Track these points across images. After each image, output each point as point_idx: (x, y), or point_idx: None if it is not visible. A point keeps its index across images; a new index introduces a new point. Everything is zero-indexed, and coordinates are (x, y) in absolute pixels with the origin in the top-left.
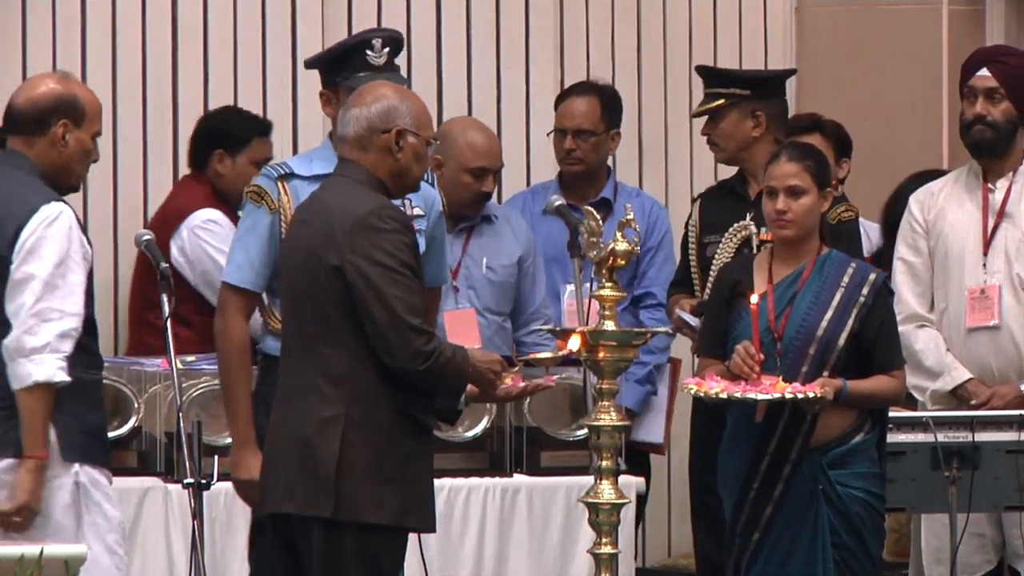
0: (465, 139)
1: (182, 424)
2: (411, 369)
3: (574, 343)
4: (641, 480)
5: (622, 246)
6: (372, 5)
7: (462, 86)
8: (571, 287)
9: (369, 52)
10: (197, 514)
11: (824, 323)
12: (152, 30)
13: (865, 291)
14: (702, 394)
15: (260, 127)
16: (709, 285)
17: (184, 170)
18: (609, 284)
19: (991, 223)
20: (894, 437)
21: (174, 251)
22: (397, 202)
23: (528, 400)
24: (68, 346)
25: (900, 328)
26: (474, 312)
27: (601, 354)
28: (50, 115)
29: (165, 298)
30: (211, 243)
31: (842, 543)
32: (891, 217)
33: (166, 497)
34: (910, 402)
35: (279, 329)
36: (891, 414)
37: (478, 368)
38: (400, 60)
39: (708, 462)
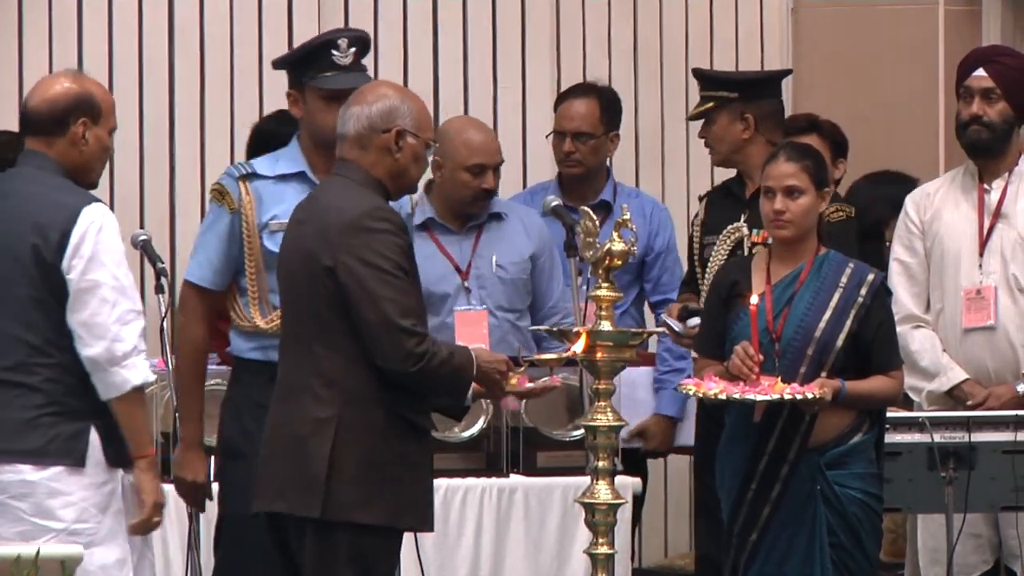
0: (461, 137)
1: (179, 424)
2: (402, 371)
3: (579, 345)
4: (638, 480)
5: (619, 246)
6: (368, 5)
7: (458, 87)
8: (565, 288)
9: (335, 52)
10: (193, 514)
11: (822, 324)
12: (148, 30)
13: (863, 292)
14: (700, 395)
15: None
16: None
17: (180, 172)
18: (606, 284)
19: (987, 224)
20: (890, 437)
21: None
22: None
23: (524, 400)
24: (144, 344)
25: (896, 329)
26: (486, 313)
27: (598, 354)
28: (69, 114)
29: (161, 298)
30: None
31: (840, 543)
32: None
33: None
34: (906, 402)
35: (247, 328)
36: (888, 414)
37: (483, 368)
38: (396, 61)
39: (710, 462)
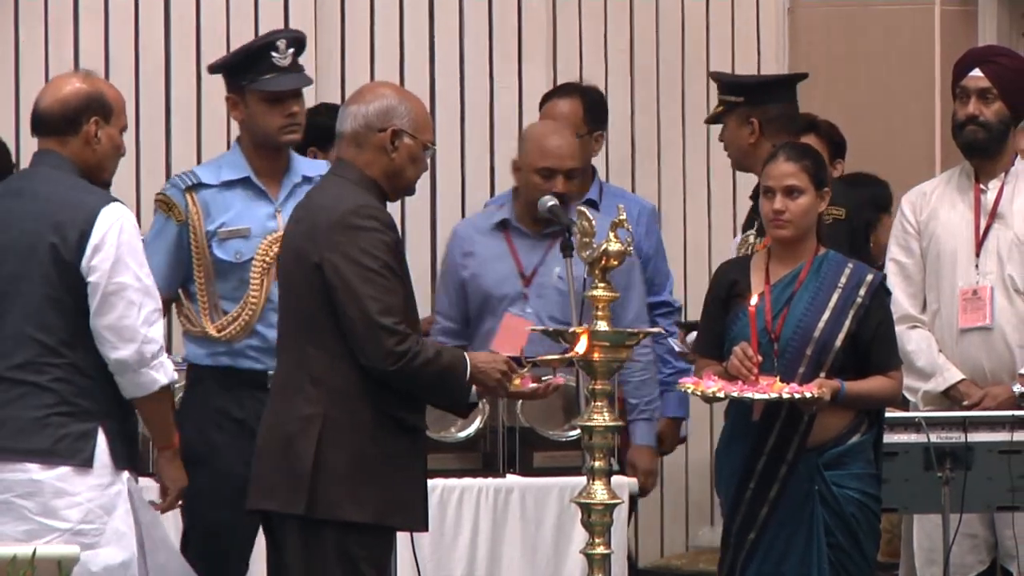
0: (536, 141)
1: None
2: (382, 369)
3: (581, 345)
4: (634, 480)
5: (615, 246)
6: (365, 5)
7: (455, 87)
8: None
9: (274, 54)
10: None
11: (821, 324)
12: (145, 30)
13: (862, 292)
14: (699, 393)
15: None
16: None
17: (176, 167)
18: (602, 284)
19: (983, 224)
20: (887, 437)
21: None
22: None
23: (520, 400)
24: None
25: None
26: (527, 322)
27: (595, 354)
28: (81, 114)
29: None
30: None
31: (837, 544)
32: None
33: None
34: (902, 403)
35: (198, 334)
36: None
37: (482, 369)
38: (393, 61)
39: None
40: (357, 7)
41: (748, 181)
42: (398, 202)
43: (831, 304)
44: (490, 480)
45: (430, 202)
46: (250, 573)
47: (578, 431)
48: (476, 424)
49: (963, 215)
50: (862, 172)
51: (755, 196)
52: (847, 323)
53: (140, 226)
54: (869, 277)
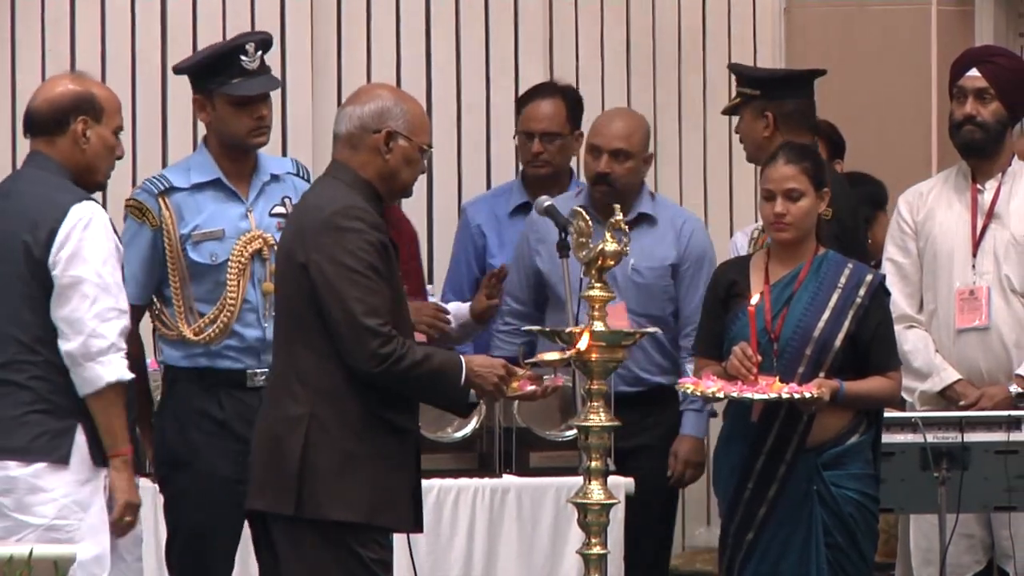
0: (596, 120)
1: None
2: (366, 371)
3: (583, 343)
4: (631, 480)
5: (611, 247)
6: (361, 5)
7: (451, 87)
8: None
9: (243, 57)
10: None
11: (821, 324)
12: (141, 31)
13: (862, 292)
14: (698, 393)
15: None
16: None
17: None
18: (599, 285)
19: (980, 224)
20: (884, 437)
21: None
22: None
23: (516, 401)
24: (124, 343)
25: None
26: (624, 306)
27: (592, 355)
28: (68, 113)
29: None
30: None
31: (835, 544)
32: None
33: (155, 498)
34: (900, 403)
35: (173, 337)
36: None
37: (478, 372)
38: (390, 59)
39: None
40: (353, 7)
41: (745, 178)
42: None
43: (831, 304)
44: (486, 480)
45: (427, 201)
46: (235, 573)
47: (574, 431)
48: (472, 424)
49: (960, 215)
50: (857, 171)
51: None
52: (846, 323)
53: None
54: (869, 277)
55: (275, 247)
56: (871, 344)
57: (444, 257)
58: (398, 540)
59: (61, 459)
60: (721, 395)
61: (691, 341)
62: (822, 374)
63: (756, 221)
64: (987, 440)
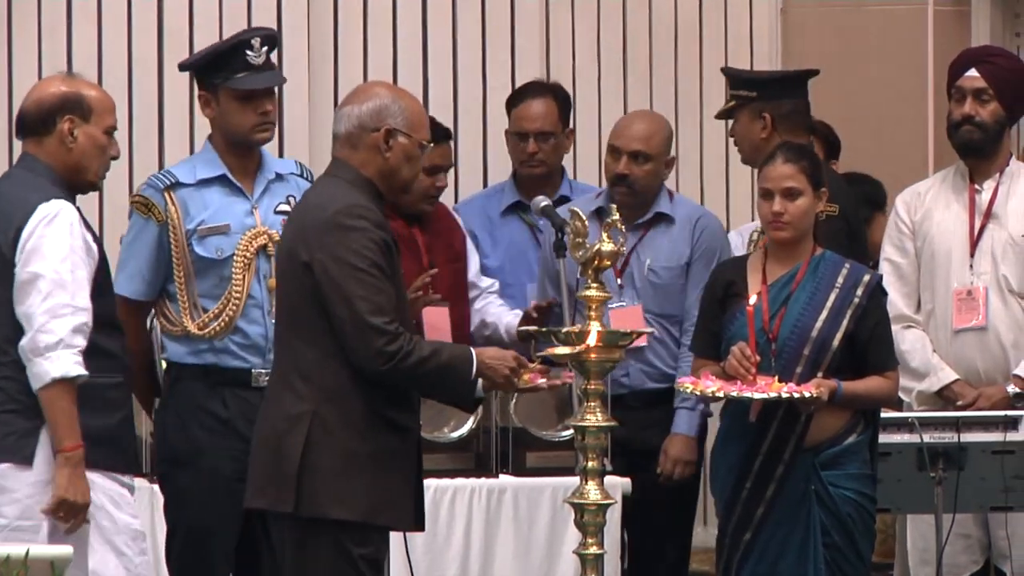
0: (619, 121)
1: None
2: (373, 369)
3: (592, 338)
4: (627, 480)
5: (608, 247)
6: (358, 5)
7: (448, 87)
8: (532, 286)
9: (249, 52)
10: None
11: (819, 324)
12: (138, 33)
13: (859, 292)
14: (698, 392)
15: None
16: None
17: None
18: (595, 285)
19: (978, 224)
20: (880, 437)
21: None
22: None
23: (514, 400)
24: (81, 340)
25: None
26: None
27: (590, 355)
28: (55, 113)
29: None
30: None
31: (833, 544)
32: None
33: (152, 498)
34: (897, 403)
35: (177, 333)
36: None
37: (489, 365)
38: (387, 59)
39: None
40: (350, 7)
41: (741, 178)
42: None
43: (828, 304)
44: (483, 480)
45: None
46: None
47: (571, 431)
48: (469, 424)
49: (957, 215)
50: (855, 171)
51: None
52: (844, 323)
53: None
54: (866, 277)
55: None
56: (869, 344)
57: None
58: (395, 539)
59: (25, 459)
60: (720, 394)
61: (690, 337)
62: (820, 374)
63: (752, 221)
64: (984, 440)
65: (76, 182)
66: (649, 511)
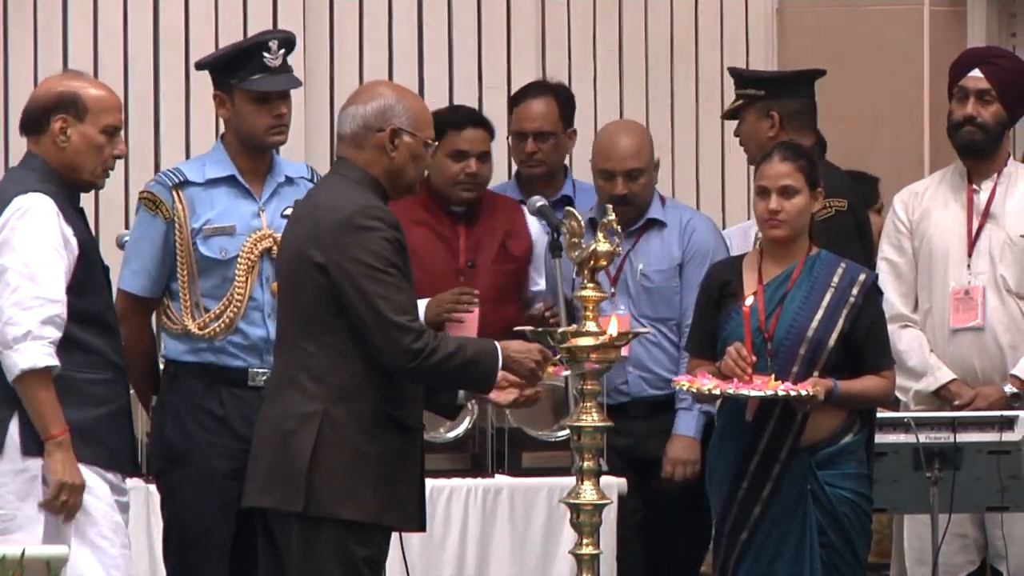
0: (599, 142)
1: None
2: (400, 367)
3: (613, 327)
4: (623, 481)
5: (604, 247)
6: (354, 5)
7: (444, 87)
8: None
9: (266, 54)
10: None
11: (815, 323)
12: (134, 33)
13: (855, 291)
14: (695, 391)
15: (456, 120)
16: None
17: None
18: (591, 285)
19: (976, 224)
20: (876, 438)
21: None
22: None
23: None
24: (53, 331)
25: None
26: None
27: (590, 355)
28: (49, 112)
29: None
30: None
31: (830, 544)
32: None
33: (148, 498)
34: (893, 402)
35: (178, 331)
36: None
37: (516, 359)
38: (382, 62)
39: None
40: (346, 8)
41: (738, 177)
42: None
43: (824, 303)
44: (479, 480)
45: None
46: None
47: (567, 432)
48: (465, 424)
49: (955, 215)
50: (851, 170)
51: None
52: (840, 322)
53: (129, 225)
54: (862, 277)
55: None
56: (864, 343)
57: None
58: (391, 540)
59: None
60: (718, 392)
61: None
62: (816, 373)
63: (748, 220)
64: (979, 440)
65: (73, 180)
66: (662, 521)
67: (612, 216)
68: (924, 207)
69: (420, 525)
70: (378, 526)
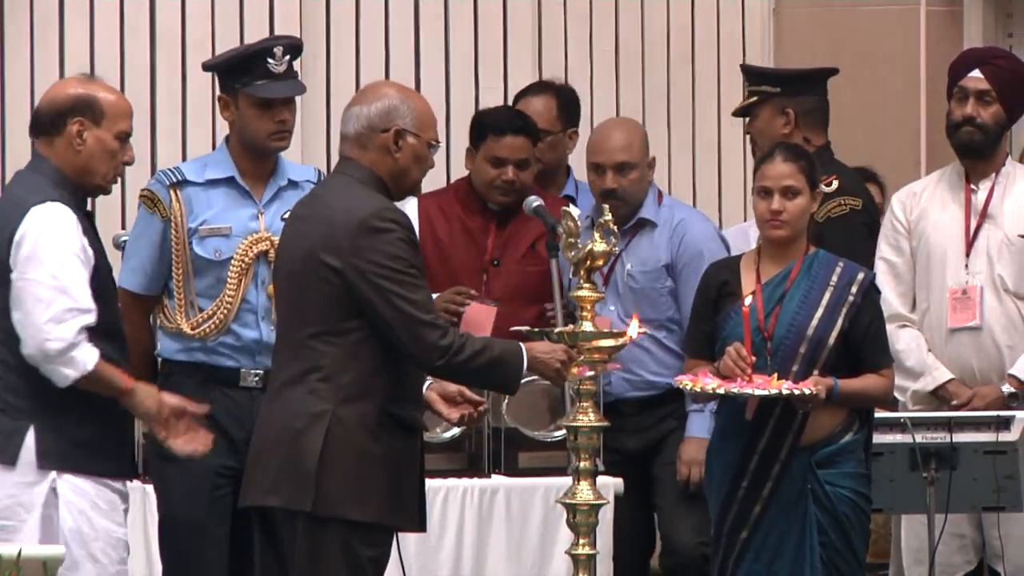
0: (592, 136)
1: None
2: (428, 364)
3: (633, 328)
4: (619, 481)
5: (600, 247)
6: (351, 6)
7: (440, 88)
8: None
9: (271, 60)
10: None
11: (815, 322)
12: (130, 33)
13: (854, 290)
14: (697, 389)
15: (498, 125)
16: None
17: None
18: (587, 285)
19: (974, 224)
20: (872, 437)
21: None
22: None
23: (505, 401)
24: (83, 336)
25: None
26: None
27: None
28: (66, 115)
29: None
30: None
31: (830, 543)
32: None
33: (144, 499)
34: (892, 402)
35: (172, 330)
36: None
37: (541, 359)
38: (378, 62)
39: None
40: (343, 9)
41: (734, 178)
42: None
43: (823, 302)
44: (475, 480)
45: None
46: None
47: (563, 432)
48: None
49: (953, 215)
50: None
51: None
52: (840, 321)
53: (125, 226)
54: (860, 276)
55: None
56: (863, 342)
57: None
58: None
59: (8, 459)
60: (721, 391)
61: None
62: (816, 372)
63: (745, 220)
64: (976, 440)
65: (84, 184)
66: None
67: (609, 216)
68: (922, 207)
69: (421, 525)
70: (383, 526)
